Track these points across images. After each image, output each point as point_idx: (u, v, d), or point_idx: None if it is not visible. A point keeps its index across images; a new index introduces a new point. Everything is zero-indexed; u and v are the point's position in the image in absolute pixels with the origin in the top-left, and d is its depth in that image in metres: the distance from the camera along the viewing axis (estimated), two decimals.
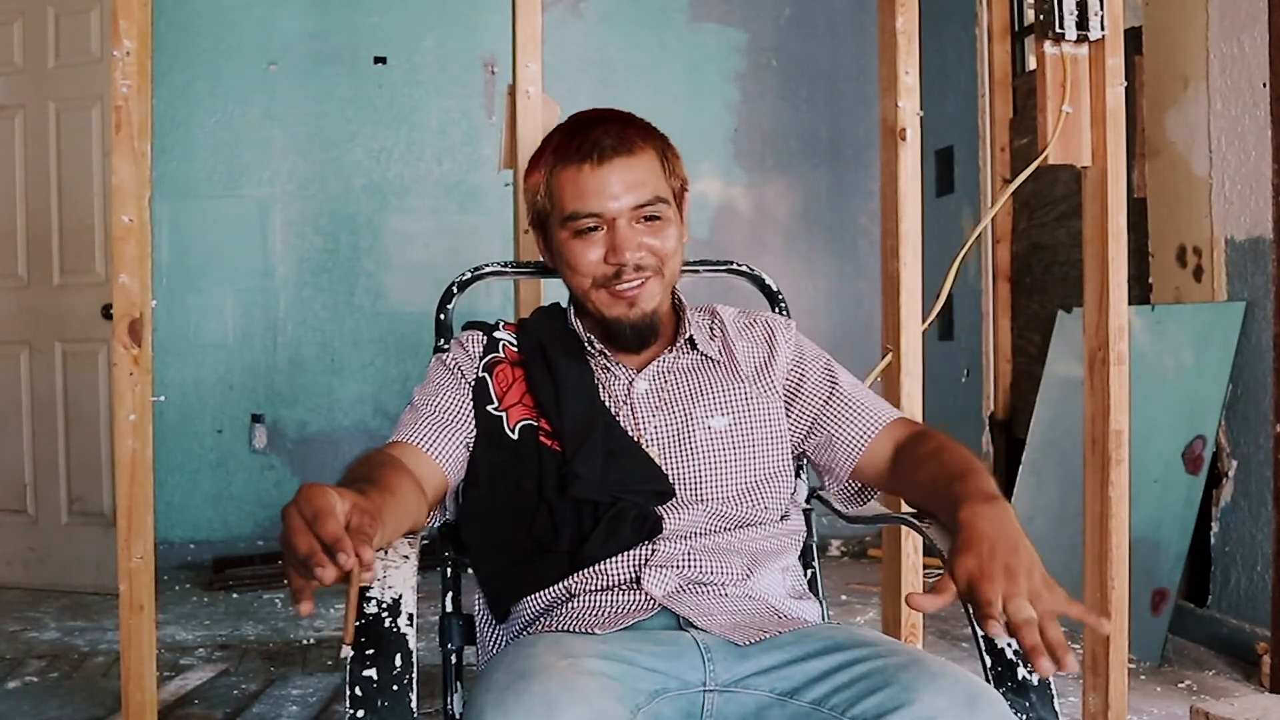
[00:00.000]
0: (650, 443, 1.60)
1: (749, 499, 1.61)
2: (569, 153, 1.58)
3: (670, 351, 1.67)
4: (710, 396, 1.64)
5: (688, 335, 1.68)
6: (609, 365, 1.65)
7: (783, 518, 1.66)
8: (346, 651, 1.18)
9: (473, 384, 1.64)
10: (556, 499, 1.54)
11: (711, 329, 1.73)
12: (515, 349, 1.68)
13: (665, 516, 1.54)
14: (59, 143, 4.30)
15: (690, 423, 1.61)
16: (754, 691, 1.36)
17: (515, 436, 1.60)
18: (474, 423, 1.61)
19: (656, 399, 1.64)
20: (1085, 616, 1.20)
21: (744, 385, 1.67)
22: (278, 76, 5.02)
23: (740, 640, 1.40)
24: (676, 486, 1.57)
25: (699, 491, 1.58)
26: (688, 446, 1.60)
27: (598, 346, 1.65)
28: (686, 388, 1.65)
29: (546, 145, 1.64)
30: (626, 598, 1.49)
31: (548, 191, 1.61)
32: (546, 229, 1.64)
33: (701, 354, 1.69)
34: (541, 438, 1.59)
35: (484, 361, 1.66)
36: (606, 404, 1.62)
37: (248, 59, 5.00)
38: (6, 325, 4.40)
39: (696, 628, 1.44)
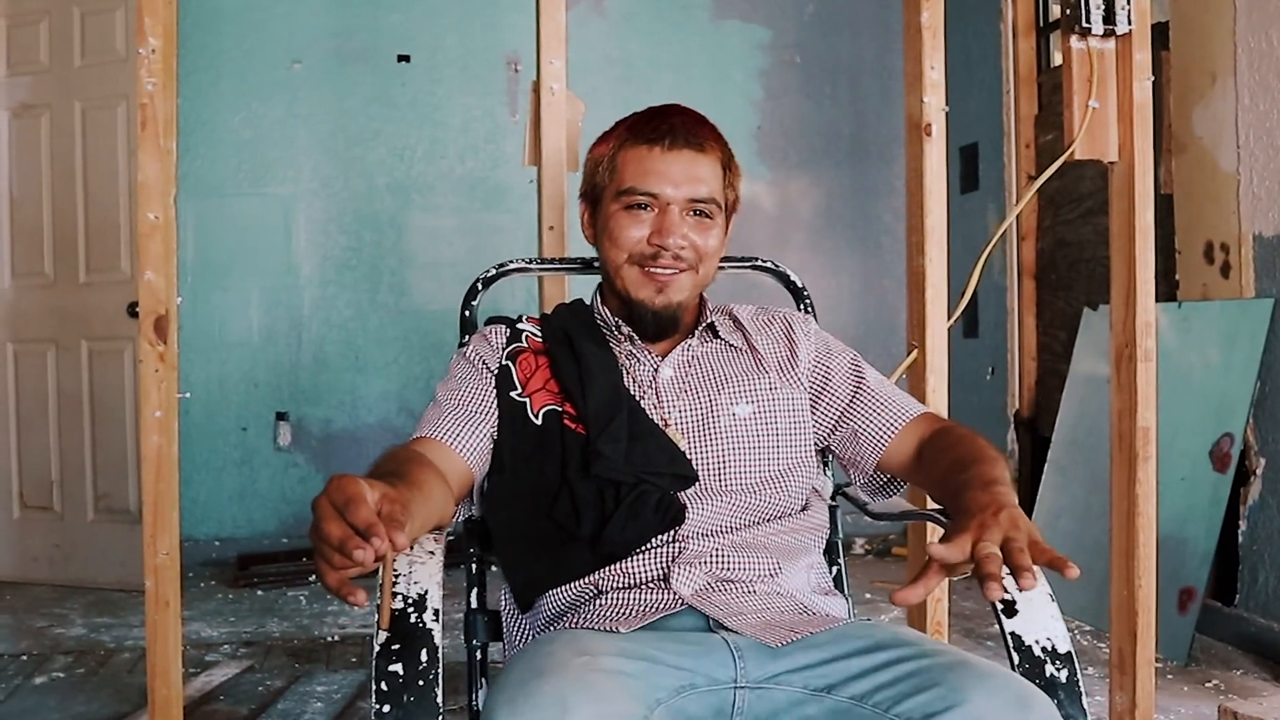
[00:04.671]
0: (675, 428, 1.60)
1: (771, 487, 1.61)
2: (642, 132, 1.62)
3: (693, 337, 1.69)
4: (734, 385, 1.65)
5: (708, 322, 1.70)
6: (634, 351, 1.67)
7: (804, 509, 1.66)
8: (382, 636, 1.19)
9: (496, 373, 1.65)
10: (579, 480, 1.54)
11: (732, 325, 1.74)
12: (539, 339, 1.69)
13: (689, 506, 1.55)
14: (85, 142, 4.33)
15: (715, 409, 1.62)
16: (787, 688, 1.35)
17: (539, 421, 1.60)
18: (497, 413, 1.61)
19: (681, 384, 1.65)
20: (1055, 560, 1.18)
21: (768, 376, 1.68)
22: (301, 75, 5.04)
23: (772, 641, 1.40)
24: (700, 472, 1.57)
25: (722, 478, 1.58)
26: (712, 432, 1.61)
27: (624, 331, 1.66)
28: (711, 375, 1.66)
29: (621, 124, 1.68)
30: (654, 596, 1.49)
31: (610, 164, 1.64)
32: (597, 201, 1.68)
33: (724, 341, 1.70)
34: (565, 421, 1.59)
35: (507, 351, 1.67)
36: (631, 389, 1.63)
37: (272, 57, 5.02)
38: (33, 323, 4.43)
39: (726, 629, 1.44)
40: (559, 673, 1.20)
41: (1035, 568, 1.18)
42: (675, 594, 1.48)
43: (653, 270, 1.61)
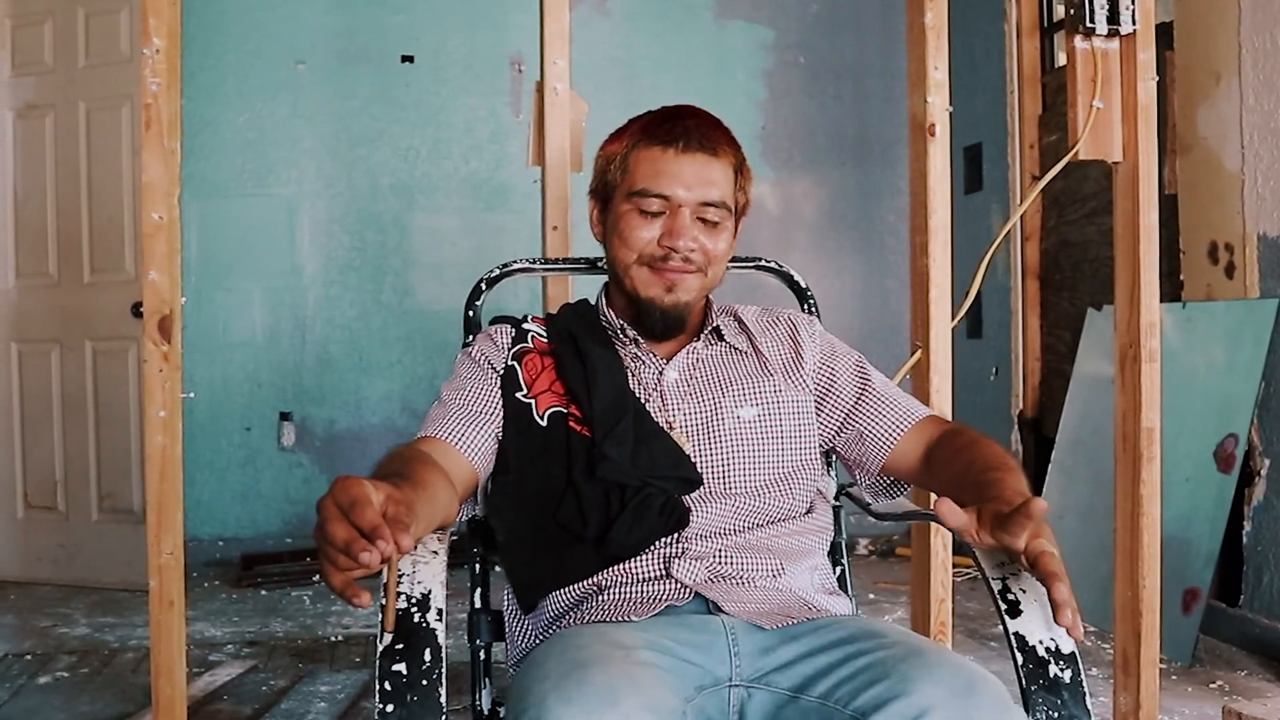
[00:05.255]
0: (680, 430, 1.60)
1: (775, 490, 1.61)
2: (656, 133, 1.61)
3: (698, 341, 1.68)
4: (739, 387, 1.65)
5: (714, 325, 1.70)
6: (639, 354, 1.66)
7: (808, 511, 1.66)
8: (386, 636, 1.19)
9: (501, 374, 1.65)
10: (584, 483, 1.55)
11: (737, 328, 1.74)
12: (544, 339, 1.69)
13: (693, 509, 1.55)
14: (89, 142, 4.33)
15: (719, 412, 1.62)
16: (773, 690, 1.36)
17: (544, 423, 1.60)
18: (502, 413, 1.61)
19: (686, 387, 1.65)
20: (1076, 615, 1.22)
21: (773, 379, 1.67)
22: (305, 75, 5.05)
23: (767, 624, 1.41)
24: (704, 475, 1.58)
25: (727, 481, 1.58)
26: (717, 435, 1.61)
27: (629, 334, 1.66)
28: (716, 378, 1.66)
29: (635, 123, 1.67)
30: (657, 587, 1.50)
31: (622, 163, 1.64)
32: (607, 199, 1.67)
33: (729, 345, 1.70)
34: (571, 423, 1.59)
35: (513, 351, 1.67)
36: (636, 391, 1.63)
37: (275, 58, 5.02)
38: (37, 324, 4.44)
39: (725, 612, 1.45)
40: (604, 664, 1.21)
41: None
42: (678, 583, 1.49)
43: (661, 268, 1.61)
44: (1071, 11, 2.39)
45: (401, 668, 1.19)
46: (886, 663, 1.27)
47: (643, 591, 1.50)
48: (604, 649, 1.27)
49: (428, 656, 1.21)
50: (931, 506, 1.31)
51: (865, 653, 1.31)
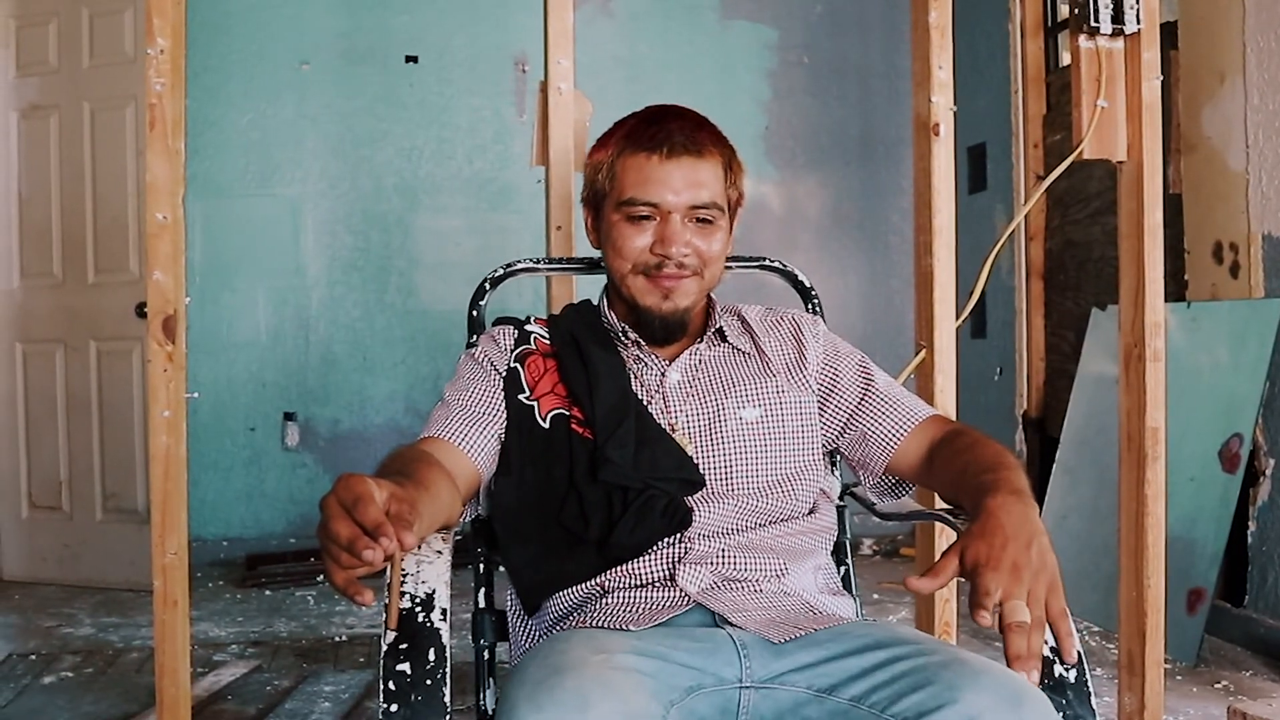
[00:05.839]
0: (682, 432, 1.60)
1: (778, 491, 1.60)
2: (640, 140, 1.60)
3: (701, 342, 1.68)
4: (742, 388, 1.65)
5: (717, 326, 1.69)
6: (641, 355, 1.66)
7: (811, 511, 1.65)
8: (390, 636, 1.19)
9: (504, 375, 1.65)
10: (587, 485, 1.55)
11: (740, 328, 1.74)
12: (547, 341, 1.69)
13: (695, 509, 1.54)
14: (93, 142, 4.33)
15: (722, 413, 1.62)
16: (791, 688, 1.35)
17: (547, 425, 1.60)
18: (505, 414, 1.61)
19: (688, 389, 1.64)
20: (1062, 640, 1.22)
21: (775, 379, 1.67)
22: (309, 76, 5.05)
23: (776, 637, 1.40)
24: (707, 476, 1.57)
25: (729, 482, 1.58)
26: (719, 436, 1.60)
27: (631, 336, 1.65)
28: (718, 379, 1.66)
29: (619, 128, 1.65)
30: (660, 594, 1.49)
31: (610, 172, 1.62)
32: (599, 208, 1.66)
33: (732, 346, 1.70)
34: (573, 425, 1.59)
35: (516, 353, 1.67)
36: (638, 394, 1.62)
37: (280, 58, 5.03)
38: (42, 324, 4.44)
39: (732, 624, 1.44)
40: (578, 670, 1.20)
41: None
42: (682, 591, 1.48)
43: (657, 277, 1.60)
44: (1076, 11, 2.39)
45: (406, 667, 1.20)
46: (928, 669, 1.25)
47: (647, 598, 1.49)
48: (584, 654, 1.26)
49: (432, 656, 1.21)
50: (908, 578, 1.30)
51: (902, 658, 1.30)
